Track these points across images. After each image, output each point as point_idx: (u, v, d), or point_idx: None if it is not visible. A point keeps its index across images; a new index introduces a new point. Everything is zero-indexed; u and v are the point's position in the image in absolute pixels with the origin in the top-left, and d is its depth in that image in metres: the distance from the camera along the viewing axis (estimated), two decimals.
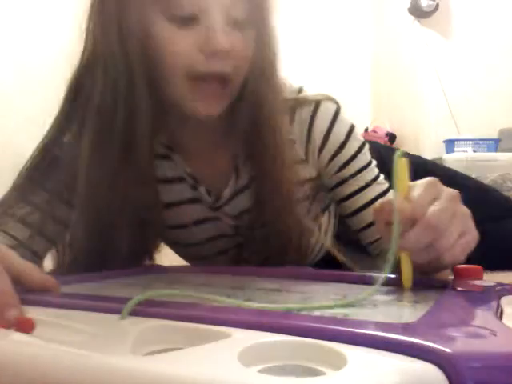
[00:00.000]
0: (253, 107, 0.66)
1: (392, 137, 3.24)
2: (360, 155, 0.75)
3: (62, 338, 0.31)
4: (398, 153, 0.48)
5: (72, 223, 0.69)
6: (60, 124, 0.69)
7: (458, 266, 0.51)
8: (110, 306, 0.36)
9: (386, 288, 0.49)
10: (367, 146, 0.76)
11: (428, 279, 0.50)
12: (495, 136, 2.95)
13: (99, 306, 0.36)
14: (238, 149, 0.71)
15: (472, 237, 0.48)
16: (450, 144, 2.92)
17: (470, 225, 0.48)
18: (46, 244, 0.71)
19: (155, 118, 0.65)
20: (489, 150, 2.86)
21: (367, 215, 0.74)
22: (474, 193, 1.11)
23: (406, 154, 0.49)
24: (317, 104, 0.72)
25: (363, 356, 0.25)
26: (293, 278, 0.57)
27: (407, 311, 0.38)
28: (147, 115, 0.63)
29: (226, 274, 0.61)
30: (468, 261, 0.50)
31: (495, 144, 2.90)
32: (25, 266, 0.44)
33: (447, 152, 2.88)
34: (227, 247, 0.78)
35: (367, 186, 0.74)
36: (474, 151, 2.84)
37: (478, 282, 0.48)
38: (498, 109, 2.96)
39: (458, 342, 0.27)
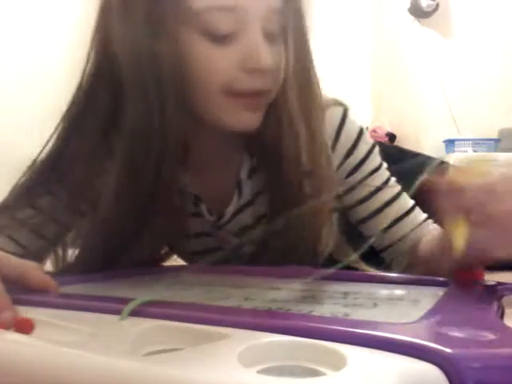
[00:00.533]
0: (279, 117, 0.64)
1: (392, 137, 3.24)
2: (370, 159, 0.73)
3: (62, 338, 0.31)
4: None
5: (85, 233, 0.69)
6: (67, 133, 0.68)
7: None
8: (110, 306, 0.36)
9: (386, 288, 0.49)
10: (377, 149, 0.75)
11: (428, 279, 0.50)
12: (495, 136, 2.95)
13: (99, 307, 0.36)
14: (242, 163, 0.70)
15: None
16: (449, 144, 2.92)
17: None
18: (38, 241, 0.71)
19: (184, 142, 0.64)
20: (489, 150, 2.86)
21: (380, 220, 0.72)
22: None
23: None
24: (324, 110, 0.71)
25: (363, 356, 0.25)
26: (293, 277, 0.57)
27: (407, 311, 0.38)
28: (178, 142, 0.61)
29: (226, 273, 0.61)
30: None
31: (495, 144, 2.90)
32: (25, 265, 0.44)
33: (447, 152, 2.88)
34: (228, 258, 0.78)
35: (379, 189, 0.73)
36: (474, 151, 2.84)
37: (479, 282, 0.48)
38: (498, 109, 2.96)
39: (459, 342, 0.27)
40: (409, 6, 3.23)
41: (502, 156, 2.65)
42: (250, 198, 0.72)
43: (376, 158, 0.74)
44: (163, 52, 0.57)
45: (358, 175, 0.72)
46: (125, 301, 0.35)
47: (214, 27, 0.57)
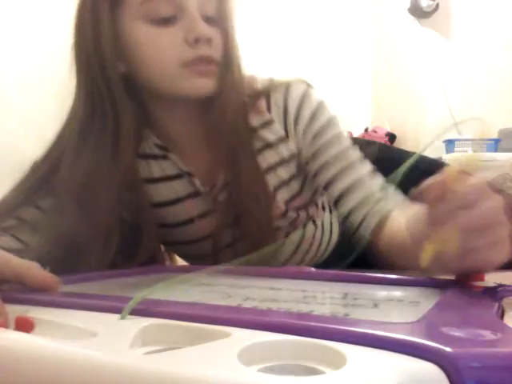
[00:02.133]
0: (223, 100, 0.73)
1: (392, 137, 3.24)
2: (331, 125, 0.79)
3: (62, 337, 0.31)
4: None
5: (54, 222, 0.71)
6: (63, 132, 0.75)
7: None
8: (110, 305, 0.36)
9: (386, 289, 0.49)
10: (338, 119, 0.81)
11: (428, 280, 0.50)
12: (495, 136, 2.95)
13: (99, 306, 0.36)
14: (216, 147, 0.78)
15: (506, 248, 0.45)
16: (449, 144, 2.92)
17: (506, 236, 0.45)
18: (48, 247, 0.71)
19: (147, 125, 0.76)
20: (489, 150, 2.86)
21: (342, 182, 0.77)
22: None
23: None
24: (288, 85, 0.79)
25: (363, 355, 0.25)
26: (294, 278, 0.57)
27: (407, 311, 0.38)
28: (130, 117, 0.71)
29: (227, 273, 0.61)
30: None
31: (495, 144, 2.90)
32: (24, 264, 0.44)
33: (447, 152, 2.88)
34: (227, 242, 0.79)
35: (339, 155, 0.77)
36: (474, 151, 2.83)
37: (479, 283, 0.48)
38: (498, 109, 2.96)
39: (459, 342, 0.27)
40: (409, 5, 3.22)
41: (502, 156, 2.65)
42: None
43: (336, 126, 0.80)
44: (106, 39, 0.68)
45: (320, 140, 0.78)
46: (125, 300, 0.35)
47: (155, 13, 0.68)
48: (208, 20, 0.70)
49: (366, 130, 3.35)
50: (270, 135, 0.78)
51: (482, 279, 0.49)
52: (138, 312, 0.33)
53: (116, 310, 0.34)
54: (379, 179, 0.77)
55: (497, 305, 0.38)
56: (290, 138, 0.79)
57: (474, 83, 3.03)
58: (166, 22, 0.68)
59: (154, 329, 0.30)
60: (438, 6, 3.14)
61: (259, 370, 0.24)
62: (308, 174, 0.82)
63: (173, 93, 0.72)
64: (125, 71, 0.71)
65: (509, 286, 0.47)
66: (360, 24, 3.63)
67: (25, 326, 0.32)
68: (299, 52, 3.55)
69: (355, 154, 0.79)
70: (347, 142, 0.80)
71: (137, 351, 0.28)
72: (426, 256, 0.44)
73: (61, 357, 0.25)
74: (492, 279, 0.49)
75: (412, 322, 0.32)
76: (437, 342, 0.26)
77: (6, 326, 0.31)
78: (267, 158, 0.78)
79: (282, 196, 0.80)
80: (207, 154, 0.79)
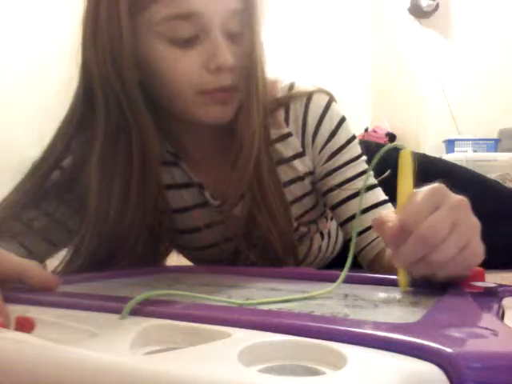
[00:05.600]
0: (244, 122, 0.68)
1: (392, 137, 3.24)
2: (349, 147, 0.75)
3: (62, 337, 0.31)
4: (402, 152, 0.47)
5: (81, 231, 0.70)
6: (63, 144, 0.71)
7: None
8: (111, 305, 0.36)
9: (386, 288, 0.49)
10: (357, 140, 0.77)
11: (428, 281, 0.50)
12: (495, 136, 2.95)
13: (99, 306, 0.36)
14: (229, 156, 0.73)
15: (474, 252, 0.44)
16: (450, 144, 2.92)
17: (475, 237, 0.44)
18: (49, 248, 0.71)
19: (160, 132, 0.70)
20: (489, 150, 2.86)
21: (351, 207, 0.75)
22: (474, 187, 1.10)
23: (411, 152, 0.47)
24: (309, 96, 0.74)
25: (363, 356, 0.25)
26: (294, 278, 0.57)
27: (408, 311, 0.38)
28: (152, 131, 0.67)
29: (227, 273, 0.61)
30: None
31: (495, 144, 2.90)
32: (26, 264, 0.44)
33: (447, 152, 2.88)
34: (236, 250, 0.78)
35: (352, 179, 0.75)
36: (474, 151, 2.84)
37: (479, 284, 0.48)
38: (498, 109, 2.96)
39: (459, 342, 0.27)
40: (409, 5, 3.22)
41: (502, 156, 2.65)
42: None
43: (355, 149, 0.76)
44: (126, 59, 0.63)
45: (336, 161, 0.75)
46: (125, 300, 0.35)
47: (175, 34, 0.62)
48: (232, 36, 0.64)
49: (366, 129, 3.35)
50: (286, 150, 0.75)
51: (482, 279, 0.49)
52: (138, 312, 0.33)
53: (116, 311, 0.34)
54: (388, 206, 0.74)
55: (497, 305, 0.38)
56: (306, 153, 0.75)
57: (474, 83, 3.03)
58: (187, 42, 0.62)
59: (155, 329, 0.30)
60: (437, 5, 3.14)
61: (259, 371, 0.24)
62: (319, 190, 0.79)
63: (186, 116, 0.68)
64: (140, 80, 0.66)
65: (509, 286, 0.47)
66: (360, 24, 3.63)
67: (25, 326, 0.32)
68: (299, 52, 3.55)
69: (369, 179, 0.75)
70: (363, 166, 0.76)
71: (137, 351, 0.28)
72: (402, 281, 0.47)
73: (61, 357, 0.25)
74: (492, 279, 0.49)
75: (412, 323, 0.32)
76: (437, 343, 0.26)
77: (5, 325, 0.31)
78: (281, 174, 0.74)
79: (294, 212, 0.77)
80: (220, 167, 0.75)
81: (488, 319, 0.33)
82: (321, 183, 0.77)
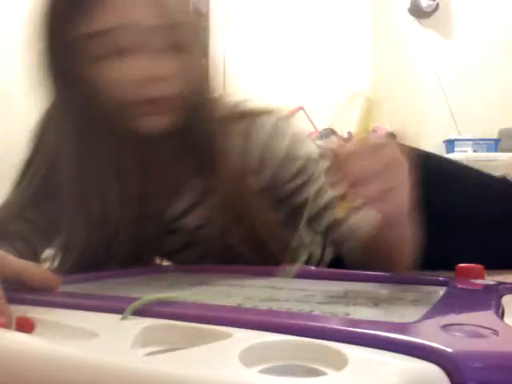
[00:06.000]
0: (197, 124, 0.69)
1: (392, 137, 3.24)
2: (306, 165, 0.73)
3: (63, 337, 0.31)
4: (368, 98, 0.51)
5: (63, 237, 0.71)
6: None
7: (460, 265, 0.51)
8: (112, 305, 0.36)
9: (386, 287, 0.49)
10: (313, 152, 0.74)
11: (428, 279, 0.50)
12: (495, 136, 2.95)
13: (100, 306, 0.36)
14: (187, 166, 0.73)
15: (394, 203, 0.49)
16: (450, 144, 2.92)
17: (402, 180, 0.49)
18: (33, 256, 0.72)
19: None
20: (489, 150, 2.86)
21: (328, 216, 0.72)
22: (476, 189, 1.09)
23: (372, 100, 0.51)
24: (254, 117, 0.72)
25: (364, 356, 0.25)
26: (294, 277, 0.57)
27: (408, 310, 0.38)
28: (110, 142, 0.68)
29: (226, 273, 0.61)
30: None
31: (495, 144, 2.90)
32: (24, 264, 0.44)
33: (447, 152, 2.88)
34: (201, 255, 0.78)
35: (318, 192, 0.72)
36: (474, 151, 2.84)
37: (479, 281, 0.48)
38: (498, 109, 2.96)
39: (460, 342, 0.27)
40: (409, 5, 3.23)
41: (502, 156, 2.65)
42: (199, 198, 0.74)
43: (312, 163, 0.73)
44: (72, 80, 0.65)
45: (296, 182, 0.73)
46: (126, 300, 0.35)
47: (108, 47, 0.62)
48: (170, 48, 0.64)
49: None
50: (241, 166, 0.72)
51: (482, 277, 0.49)
52: (139, 312, 0.33)
53: (117, 311, 0.34)
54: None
55: (497, 303, 0.38)
56: (262, 171, 0.73)
57: (474, 83, 3.03)
58: (121, 55, 0.63)
59: (155, 329, 0.30)
60: (438, 5, 3.14)
61: (260, 371, 0.24)
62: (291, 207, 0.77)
63: (129, 127, 0.68)
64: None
65: (508, 283, 0.47)
66: (360, 24, 3.63)
67: (25, 326, 0.32)
68: (299, 52, 3.55)
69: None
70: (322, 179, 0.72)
71: (138, 352, 0.28)
72: (340, 210, 0.50)
73: (61, 357, 0.25)
74: (492, 279, 0.49)
75: (413, 322, 0.32)
76: (437, 343, 0.25)
77: (7, 326, 0.31)
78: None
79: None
80: (170, 181, 0.74)
81: (488, 318, 0.33)
82: (286, 203, 0.75)
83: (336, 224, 0.72)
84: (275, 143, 0.72)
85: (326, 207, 0.72)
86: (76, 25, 0.62)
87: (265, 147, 0.72)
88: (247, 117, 0.73)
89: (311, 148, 0.75)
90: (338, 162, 0.47)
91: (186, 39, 0.66)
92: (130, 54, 0.63)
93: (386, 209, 0.49)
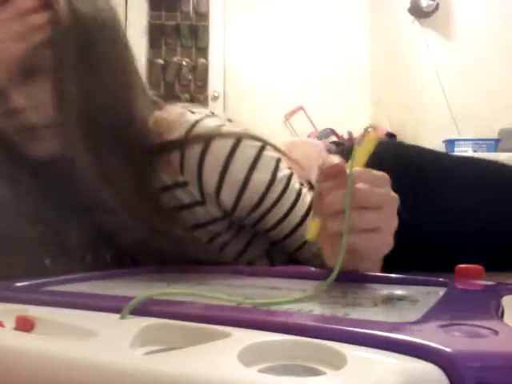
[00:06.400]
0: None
1: (392, 136, 3.24)
2: (272, 189, 0.67)
3: (62, 337, 0.31)
4: (372, 133, 0.51)
5: None
6: None
7: (459, 265, 0.51)
8: (110, 304, 0.36)
9: (385, 288, 0.49)
10: (280, 170, 0.68)
11: (428, 279, 0.50)
12: (495, 136, 2.95)
13: (99, 305, 0.36)
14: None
15: (386, 240, 0.49)
16: (450, 144, 2.92)
17: (389, 230, 0.49)
18: None
19: None
20: (489, 150, 2.86)
21: (297, 238, 0.71)
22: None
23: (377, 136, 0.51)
24: (207, 143, 0.65)
25: (363, 356, 0.25)
26: (294, 277, 0.57)
27: (407, 311, 0.38)
28: None
29: (226, 273, 0.61)
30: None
31: (495, 144, 2.90)
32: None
33: (447, 152, 2.88)
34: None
35: (290, 211, 0.69)
36: (474, 151, 2.84)
37: (478, 282, 0.48)
38: (498, 109, 2.96)
39: (459, 342, 0.27)
40: (409, 5, 3.23)
41: (502, 156, 2.65)
42: None
43: (279, 185, 0.68)
44: None
45: (262, 209, 0.68)
46: (125, 299, 0.35)
47: None
48: (29, 74, 0.60)
49: (366, 129, 3.34)
50: (184, 197, 0.68)
51: (481, 277, 0.49)
52: (138, 312, 0.33)
53: (116, 310, 0.34)
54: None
55: (496, 303, 0.38)
56: (208, 203, 0.68)
57: (474, 83, 3.03)
58: None
59: (154, 328, 0.30)
60: (438, 5, 3.14)
61: (259, 371, 0.24)
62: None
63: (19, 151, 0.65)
64: None
65: (508, 284, 0.47)
66: (360, 24, 3.63)
67: (25, 325, 0.32)
68: (299, 52, 3.55)
69: (305, 201, 0.71)
70: (295, 191, 0.70)
71: (137, 351, 0.28)
72: (312, 229, 0.49)
73: (61, 356, 0.25)
74: (492, 279, 0.49)
75: (412, 322, 0.32)
76: (437, 343, 0.25)
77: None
78: (186, 218, 0.69)
79: (228, 249, 0.74)
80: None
81: (488, 318, 0.33)
82: (253, 229, 0.72)
83: (304, 246, 0.71)
84: (230, 172, 0.66)
85: (294, 229, 0.70)
86: None
87: (220, 177, 0.66)
88: (200, 142, 0.65)
89: (270, 168, 0.68)
90: (337, 183, 0.47)
91: (40, 62, 0.61)
92: None
93: (374, 241, 0.48)
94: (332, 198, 0.47)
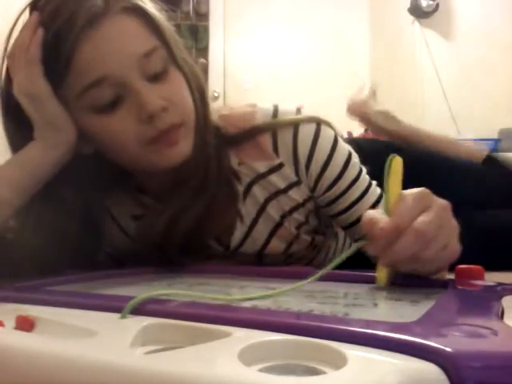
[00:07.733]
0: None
1: None
2: (347, 171, 0.73)
3: (62, 336, 0.31)
4: (391, 157, 0.50)
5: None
6: None
7: (460, 266, 0.51)
8: (111, 304, 0.36)
9: (385, 288, 0.49)
10: (354, 157, 0.74)
11: (428, 279, 0.50)
12: (495, 136, 2.95)
13: (99, 305, 0.36)
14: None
15: (454, 250, 0.49)
16: None
17: (454, 238, 0.49)
18: None
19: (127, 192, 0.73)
20: None
21: (357, 212, 0.73)
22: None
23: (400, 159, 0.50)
24: (296, 127, 0.71)
25: (363, 355, 0.25)
26: (294, 278, 0.57)
27: (408, 310, 0.38)
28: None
29: (226, 273, 0.61)
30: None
31: (495, 144, 2.90)
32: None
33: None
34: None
35: (359, 199, 0.73)
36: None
37: (478, 282, 0.48)
38: (498, 109, 2.96)
39: (459, 342, 0.27)
40: (409, 6, 3.23)
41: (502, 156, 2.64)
42: (254, 217, 0.74)
43: (353, 168, 0.73)
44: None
45: (337, 189, 0.72)
46: (125, 299, 0.35)
47: (98, 101, 0.61)
48: (155, 77, 0.63)
49: (366, 130, 3.34)
50: (280, 181, 0.72)
51: (482, 278, 0.49)
52: (138, 311, 0.33)
53: (116, 310, 0.34)
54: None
55: (496, 304, 0.38)
56: (302, 181, 0.73)
57: (474, 83, 3.03)
58: (113, 105, 0.61)
59: (155, 328, 0.30)
60: (438, 6, 3.14)
61: (260, 370, 0.24)
62: (326, 213, 0.77)
63: (145, 168, 0.68)
64: (93, 151, 0.66)
65: (508, 284, 0.47)
66: (360, 24, 3.63)
67: (25, 325, 0.32)
68: (298, 52, 3.55)
69: (374, 194, 0.74)
70: (365, 180, 0.74)
71: (137, 351, 0.28)
72: (382, 277, 0.49)
73: (61, 356, 0.25)
74: (492, 279, 0.49)
75: (412, 322, 0.32)
76: (437, 342, 0.26)
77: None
78: (281, 205, 0.73)
79: (303, 231, 0.77)
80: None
81: (488, 318, 0.33)
82: (326, 210, 0.76)
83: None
84: (317, 152, 0.71)
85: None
86: (69, 81, 0.61)
87: (309, 156, 0.71)
88: (289, 127, 0.71)
89: (346, 154, 0.73)
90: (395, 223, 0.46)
91: (178, 54, 0.66)
92: (125, 96, 0.61)
93: (445, 259, 0.49)
94: (398, 247, 0.45)
